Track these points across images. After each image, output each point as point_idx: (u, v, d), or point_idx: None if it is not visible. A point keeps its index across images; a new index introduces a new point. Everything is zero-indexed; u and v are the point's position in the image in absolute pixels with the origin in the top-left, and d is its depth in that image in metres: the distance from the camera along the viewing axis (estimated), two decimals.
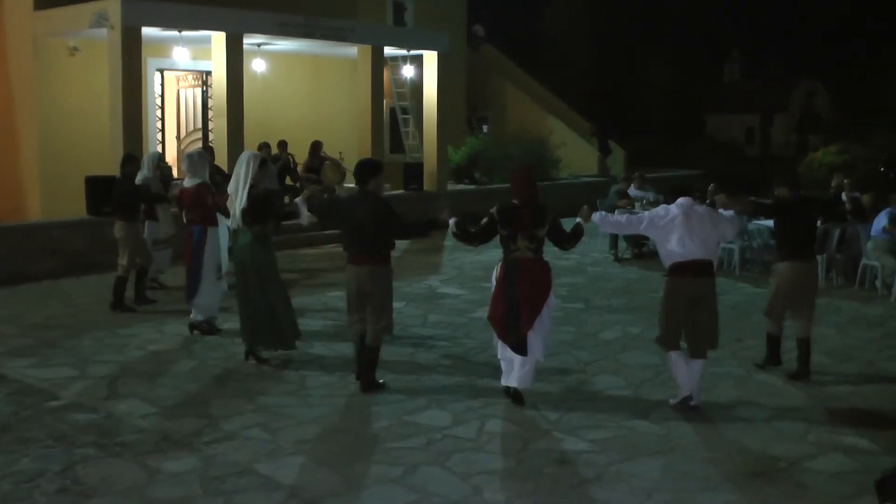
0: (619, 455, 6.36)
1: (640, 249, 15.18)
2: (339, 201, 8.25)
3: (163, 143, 17.88)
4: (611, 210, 14.61)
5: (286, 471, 5.99)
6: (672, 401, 7.52)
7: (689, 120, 49.77)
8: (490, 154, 21.65)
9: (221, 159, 14.67)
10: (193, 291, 9.44)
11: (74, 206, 13.97)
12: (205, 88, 17.83)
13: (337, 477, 5.93)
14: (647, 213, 7.72)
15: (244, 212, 8.15)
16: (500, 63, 28.15)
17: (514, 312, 7.23)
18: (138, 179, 11.04)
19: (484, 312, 10.58)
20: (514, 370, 7.37)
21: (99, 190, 13.51)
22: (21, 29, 15.80)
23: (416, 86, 20.19)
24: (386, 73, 19.58)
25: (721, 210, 8.15)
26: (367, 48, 17.71)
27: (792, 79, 55.03)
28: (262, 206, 8.23)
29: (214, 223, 9.49)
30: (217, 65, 15.67)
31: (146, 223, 11.28)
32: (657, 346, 7.75)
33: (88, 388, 7.69)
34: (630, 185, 16.08)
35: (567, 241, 7.49)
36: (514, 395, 7.42)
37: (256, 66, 18.23)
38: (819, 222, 12.97)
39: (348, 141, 18.44)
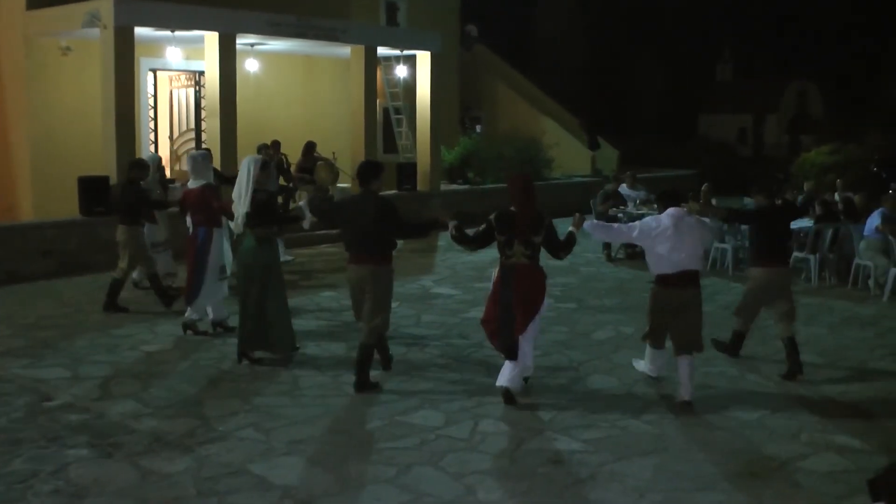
0: (612, 455, 6.37)
1: (634, 249, 15.15)
2: (342, 202, 8.33)
3: (156, 143, 17.85)
4: (604, 211, 14.67)
5: (280, 471, 5.98)
6: (637, 365, 8.26)
7: (683, 120, 49.85)
8: (483, 154, 21.68)
9: (214, 160, 14.61)
10: (196, 293, 9.43)
11: (67, 206, 13.93)
12: (198, 88, 17.79)
13: (330, 477, 5.93)
14: (637, 221, 7.93)
15: (248, 216, 8.22)
16: (493, 63, 28.17)
17: (508, 317, 7.32)
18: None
19: (477, 313, 10.62)
20: (503, 369, 7.46)
21: (92, 190, 13.49)
22: (13, 29, 15.75)
23: (410, 86, 20.19)
24: (379, 74, 19.58)
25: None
26: (360, 48, 17.71)
27: (784, 79, 55.15)
28: (266, 210, 8.32)
29: (219, 224, 9.51)
30: (210, 65, 15.64)
31: (145, 226, 11.26)
32: (643, 342, 8.07)
33: (81, 389, 7.67)
34: (620, 186, 16.09)
35: (561, 249, 7.60)
36: (507, 395, 7.45)
37: (249, 66, 18.20)
38: (813, 223, 13.14)
39: (341, 141, 18.44)
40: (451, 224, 7.59)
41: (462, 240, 7.65)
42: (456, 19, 25.22)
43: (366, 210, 7.64)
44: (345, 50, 17.99)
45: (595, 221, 8.03)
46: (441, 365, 8.61)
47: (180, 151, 17.90)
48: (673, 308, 7.61)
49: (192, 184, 9.52)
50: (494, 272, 7.57)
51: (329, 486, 5.80)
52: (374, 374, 7.96)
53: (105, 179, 13.73)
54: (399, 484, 5.82)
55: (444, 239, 16.04)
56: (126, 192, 10.70)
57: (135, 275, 11.40)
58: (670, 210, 7.59)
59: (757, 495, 5.77)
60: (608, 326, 10.23)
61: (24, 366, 8.33)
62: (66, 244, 13.09)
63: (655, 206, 8.93)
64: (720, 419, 7.21)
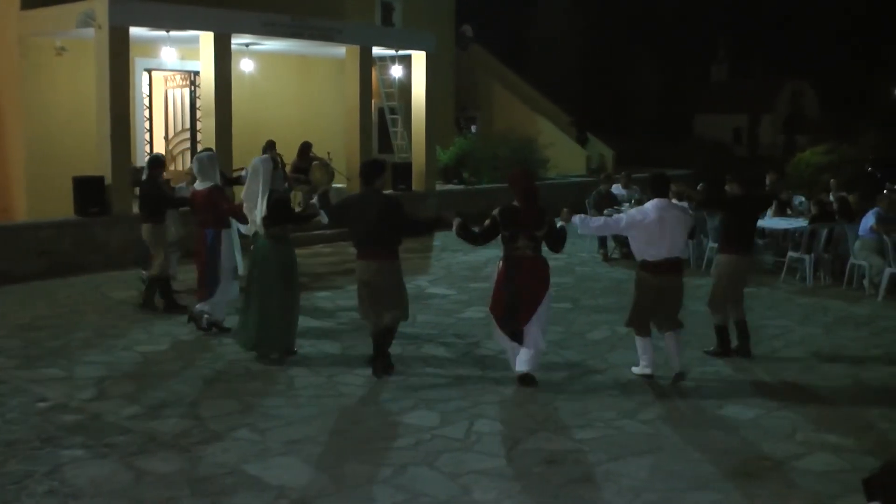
0: (607, 455, 6.37)
1: (629, 249, 15.16)
2: (349, 200, 8.43)
3: (151, 143, 17.82)
4: (598, 211, 14.67)
5: (275, 471, 5.98)
6: (635, 370, 8.22)
7: (678, 120, 49.91)
8: (478, 154, 21.67)
9: None
10: (213, 291, 9.44)
11: (62, 207, 13.91)
12: (193, 88, 17.76)
13: (325, 477, 5.93)
14: (623, 213, 8.26)
15: (264, 219, 8.34)
16: (488, 63, 28.17)
17: (514, 306, 7.70)
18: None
19: (472, 313, 10.66)
20: (520, 357, 7.82)
21: (87, 190, 13.46)
22: (8, 29, 15.71)
23: (405, 86, 20.17)
24: (374, 74, 19.56)
25: (674, 200, 8.87)
26: (356, 48, 17.70)
27: (779, 79, 55.24)
28: (281, 210, 8.48)
29: (228, 225, 9.53)
30: (205, 65, 15.62)
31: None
32: (627, 328, 8.42)
33: (76, 390, 7.65)
34: (612, 186, 16.08)
35: (559, 243, 8.01)
36: (525, 378, 7.79)
37: (244, 66, 18.19)
38: (808, 223, 13.16)
39: (337, 141, 18.41)
40: (456, 221, 7.80)
41: (468, 236, 7.87)
42: (451, 20, 25.21)
43: (372, 207, 7.87)
44: (340, 50, 17.98)
45: (583, 216, 8.28)
46: (436, 365, 8.61)
47: (175, 151, 17.88)
48: (655, 292, 7.96)
49: (199, 185, 9.53)
50: (498, 264, 7.87)
51: (324, 486, 5.79)
52: (365, 375, 7.99)
53: (100, 180, 13.70)
54: (394, 484, 5.82)
55: (440, 239, 16.06)
56: (147, 189, 10.68)
57: (143, 273, 11.38)
58: (656, 201, 7.97)
59: (752, 495, 5.77)
60: (603, 326, 10.23)
61: (19, 366, 8.32)
62: (60, 244, 13.06)
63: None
64: (715, 419, 7.22)
